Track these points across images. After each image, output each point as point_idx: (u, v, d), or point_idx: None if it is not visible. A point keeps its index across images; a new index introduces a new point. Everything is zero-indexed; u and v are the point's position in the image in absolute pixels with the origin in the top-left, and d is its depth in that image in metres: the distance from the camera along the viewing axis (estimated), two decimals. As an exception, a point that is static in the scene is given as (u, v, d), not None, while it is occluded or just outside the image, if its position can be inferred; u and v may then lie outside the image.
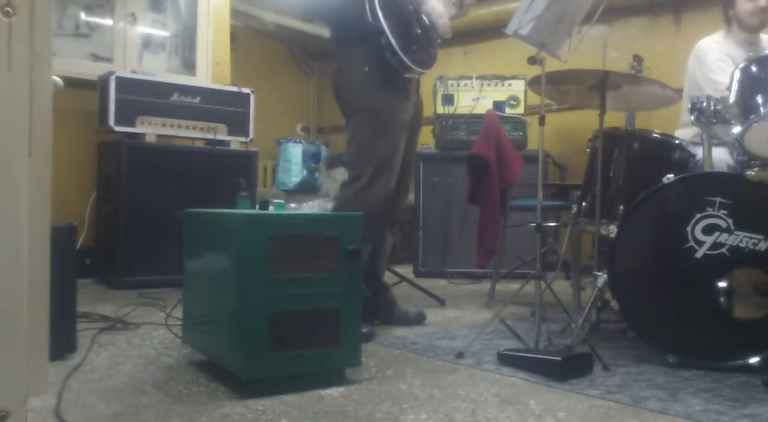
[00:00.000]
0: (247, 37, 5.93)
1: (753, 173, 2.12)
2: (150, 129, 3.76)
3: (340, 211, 2.42)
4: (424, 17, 2.59)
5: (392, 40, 2.37)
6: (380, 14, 2.36)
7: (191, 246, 2.12)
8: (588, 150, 2.70)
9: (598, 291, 2.42)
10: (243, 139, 4.08)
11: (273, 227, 1.76)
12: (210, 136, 3.93)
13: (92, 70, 3.84)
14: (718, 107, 2.31)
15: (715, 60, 2.98)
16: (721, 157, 2.71)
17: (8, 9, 0.91)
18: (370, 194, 2.47)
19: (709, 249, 2.09)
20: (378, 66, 2.45)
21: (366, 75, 2.49)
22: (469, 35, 5.40)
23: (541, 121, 2.31)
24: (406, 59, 2.41)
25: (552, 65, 2.34)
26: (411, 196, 4.92)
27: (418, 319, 2.76)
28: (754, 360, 2.01)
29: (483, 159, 3.32)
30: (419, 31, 2.54)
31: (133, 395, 1.73)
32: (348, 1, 2.48)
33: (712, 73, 2.96)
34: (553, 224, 3.83)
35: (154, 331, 2.50)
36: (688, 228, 2.11)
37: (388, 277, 3.27)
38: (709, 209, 2.09)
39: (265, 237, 1.73)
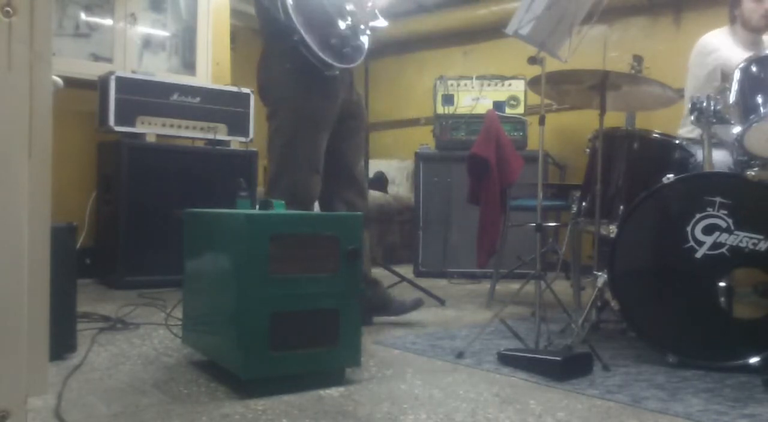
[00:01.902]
0: (247, 37, 5.92)
1: (753, 173, 2.12)
2: (150, 129, 3.76)
3: None
4: (350, 6, 2.50)
5: (305, 37, 2.31)
6: (291, 11, 2.30)
7: (191, 246, 2.12)
8: (588, 150, 2.70)
9: (598, 291, 2.42)
10: (243, 139, 4.08)
11: (273, 227, 1.76)
12: (210, 136, 3.93)
13: (92, 70, 3.84)
14: (718, 107, 2.31)
15: (702, 68, 2.98)
16: (722, 159, 2.71)
17: (8, 9, 0.91)
18: (291, 195, 2.39)
19: (709, 249, 2.09)
20: (297, 63, 2.39)
21: (287, 72, 2.45)
22: (469, 35, 5.40)
23: (541, 121, 2.31)
24: (322, 55, 2.36)
25: (552, 65, 2.34)
26: (411, 196, 4.94)
27: (416, 305, 2.74)
28: (754, 360, 2.01)
29: (483, 159, 3.32)
30: (342, 23, 2.46)
31: (133, 395, 1.73)
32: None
33: (713, 60, 2.95)
34: (553, 224, 3.84)
35: (154, 331, 2.50)
36: (688, 228, 2.11)
37: (388, 277, 3.28)
38: (709, 209, 2.09)
39: (265, 237, 1.73)
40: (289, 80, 2.45)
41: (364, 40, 2.58)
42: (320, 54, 2.35)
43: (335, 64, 2.41)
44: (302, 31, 2.31)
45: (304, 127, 2.46)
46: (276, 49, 2.48)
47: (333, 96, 2.53)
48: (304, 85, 2.45)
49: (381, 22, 2.61)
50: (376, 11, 2.61)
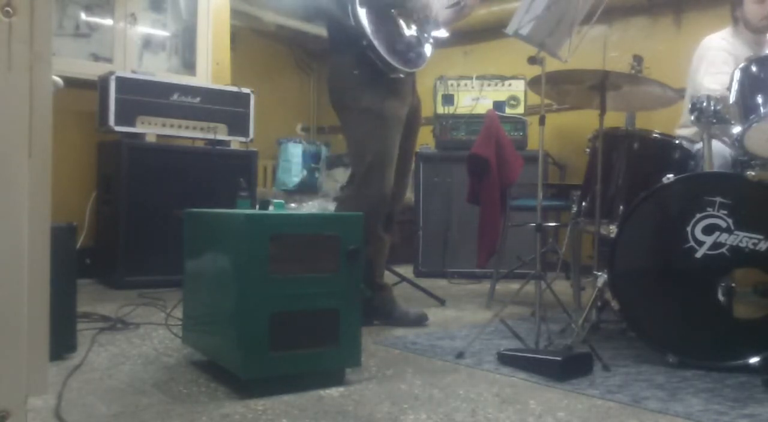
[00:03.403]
0: (247, 37, 5.93)
1: (753, 173, 2.12)
2: (150, 129, 3.75)
3: (340, 211, 2.45)
4: (417, 14, 2.62)
5: (374, 42, 2.44)
6: (360, 17, 2.43)
7: (191, 246, 2.12)
8: (588, 150, 2.70)
9: (598, 291, 2.42)
10: (243, 139, 4.08)
11: (273, 227, 1.76)
12: (210, 136, 3.93)
13: (92, 70, 3.83)
14: (718, 107, 2.31)
15: (713, 59, 2.97)
16: (721, 151, 2.70)
17: (8, 9, 0.91)
18: (365, 194, 2.53)
19: (709, 249, 2.09)
20: (366, 68, 2.52)
21: (355, 77, 2.56)
22: (469, 35, 5.40)
23: (541, 121, 2.31)
24: (389, 59, 2.48)
25: (552, 65, 2.34)
26: (411, 196, 4.94)
27: (419, 321, 2.75)
28: (754, 360, 2.01)
29: (483, 159, 3.32)
30: (407, 31, 2.59)
31: (133, 395, 1.73)
32: (335, 6, 2.54)
33: (703, 73, 2.95)
34: (553, 224, 3.83)
35: (154, 331, 2.50)
36: (688, 228, 2.11)
37: (388, 277, 3.27)
38: (709, 209, 2.09)
39: (265, 237, 1.73)
40: (359, 84, 2.56)
41: (427, 47, 2.71)
42: (387, 58, 2.48)
43: (401, 67, 2.53)
44: (371, 37, 2.44)
45: (378, 126, 2.56)
46: (345, 55, 2.58)
47: (402, 96, 2.64)
48: (373, 88, 2.55)
49: (442, 33, 2.74)
50: (439, 22, 2.73)
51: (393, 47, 2.52)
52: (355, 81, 2.57)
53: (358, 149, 2.62)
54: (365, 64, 2.51)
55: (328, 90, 2.70)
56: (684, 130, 3.00)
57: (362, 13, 2.45)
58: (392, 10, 2.58)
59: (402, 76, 2.58)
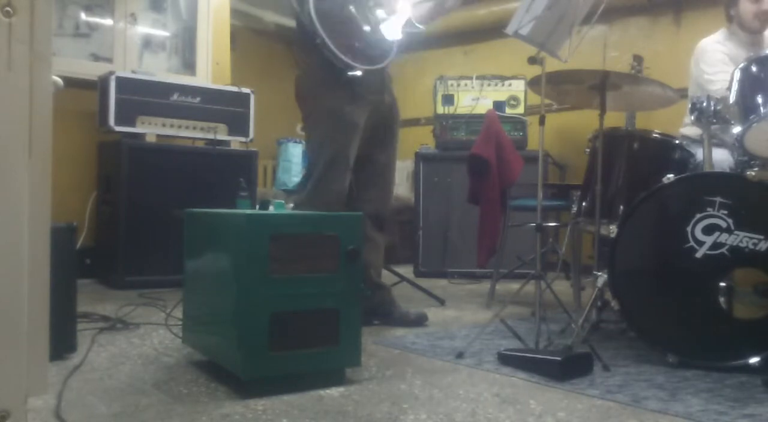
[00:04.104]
0: (247, 37, 5.93)
1: (753, 173, 2.11)
2: (150, 129, 3.75)
3: (299, 210, 2.48)
4: (379, 11, 2.58)
5: (327, 40, 2.41)
6: (314, 15, 2.41)
7: (191, 246, 2.12)
8: (588, 150, 2.70)
9: (598, 291, 2.42)
10: (243, 139, 4.08)
11: (273, 227, 1.76)
12: (210, 136, 3.93)
13: (92, 70, 3.83)
14: (718, 107, 2.31)
15: (711, 60, 2.98)
16: (722, 158, 2.71)
17: (8, 9, 0.91)
18: (320, 198, 2.50)
19: (709, 249, 2.09)
20: (327, 67, 2.50)
21: (316, 77, 2.56)
22: (469, 35, 5.40)
23: (541, 121, 2.31)
24: (342, 57, 2.45)
25: (552, 65, 2.34)
26: (411, 196, 4.94)
27: (418, 321, 2.74)
28: (754, 360, 2.01)
29: (483, 159, 3.32)
30: (369, 28, 2.54)
31: (133, 395, 1.73)
32: (296, 3, 2.53)
33: (707, 75, 2.96)
34: (553, 224, 3.83)
35: (154, 331, 2.50)
36: (688, 228, 2.11)
37: (388, 277, 3.28)
38: (709, 209, 2.09)
39: (265, 237, 1.73)
40: (321, 85, 2.56)
41: (395, 44, 2.66)
42: (341, 55, 2.44)
43: (357, 65, 2.49)
44: (324, 35, 2.40)
45: (335, 129, 2.55)
46: (310, 54, 2.56)
47: (358, 98, 2.59)
48: (334, 90, 2.53)
49: (417, 29, 2.70)
50: (413, 20, 2.69)
51: (351, 45, 2.48)
52: (318, 81, 2.56)
53: (315, 151, 2.61)
54: (327, 64, 2.48)
55: (294, 88, 2.70)
56: (688, 129, 3.00)
57: (319, 11, 2.41)
58: (351, 7, 2.53)
59: (359, 73, 2.52)
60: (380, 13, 2.62)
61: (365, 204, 2.66)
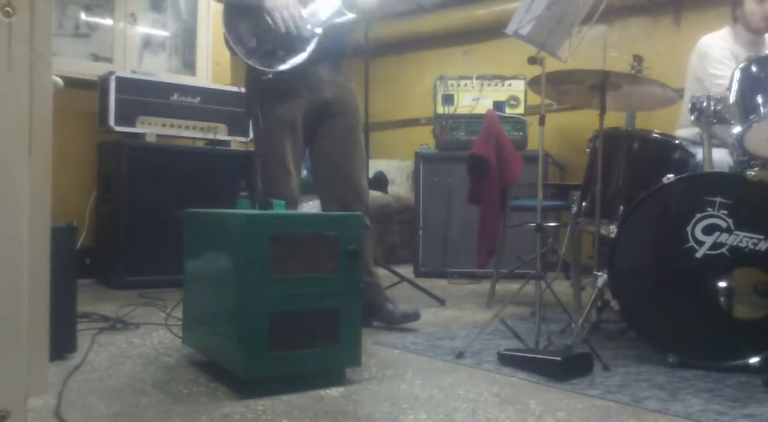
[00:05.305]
0: (247, 37, 5.92)
1: (753, 173, 2.12)
2: (150, 129, 3.76)
3: None
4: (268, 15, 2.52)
5: (234, 46, 2.45)
6: (224, 20, 2.45)
7: (191, 246, 2.12)
8: (588, 150, 2.70)
9: (598, 291, 2.42)
10: (243, 139, 4.09)
11: (273, 227, 1.76)
12: (210, 136, 3.93)
13: (92, 70, 3.84)
14: (718, 107, 2.31)
15: (718, 56, 2.97)
16: (722, 158, 2.70)
17: (8, 9, 0.91)
18: (265, 194, 2.51)
19: (709, 249, 2.09)
20: (249, 74, 2.57)
21: (249, 82, 2.62)
22: (469, 35, 5.40)
23: (541, 121, 2.31)
24: (249, 61, 2.48)
25: (552, 65, 2.34)
26: (411, 196, 4.94)
27: (404, 318, 2.64)
28: (754, 360, 2.01)
29: (483, 159, 3.32)
30: (279, 28, 2.49)
31: (133, 395, 1.73)
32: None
33: (713, 69, 2.95)
34: (553, 224, 3.83)
35: (154, 331, 2.50)
36: (688, 228, 2.11)
37: (388, 277, 3.28)
38: (709, 209, 2.09)
39: (265, 237, 1.73)
40: (251, 90, 2.63)
41: (311, 40, 2.55)
42: (247, 61, 2.48)
43: (263, 68, 2.48)
44: (231, 43, 2.45)
45: (263, 131, 2.59)
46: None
47: (284, 98, 2.58)
48: (259, 93, 2.58)
49: (347, 17, 2.61)
50: (342, 7, 2.61)
51: (261, 48, 2.48)
52: (249, 86, 2.63)
53: (257, 159, 2.67)
54: (250, 71, 2.54)
55: None
56: (684, 130, 3.00)
57: (227, 17, 2.46)
58: (257, 9, 2.48)
59: (270, 76, 2.50)
60: (284, 11, 2.51)
61: (332, 205, 2.65)
